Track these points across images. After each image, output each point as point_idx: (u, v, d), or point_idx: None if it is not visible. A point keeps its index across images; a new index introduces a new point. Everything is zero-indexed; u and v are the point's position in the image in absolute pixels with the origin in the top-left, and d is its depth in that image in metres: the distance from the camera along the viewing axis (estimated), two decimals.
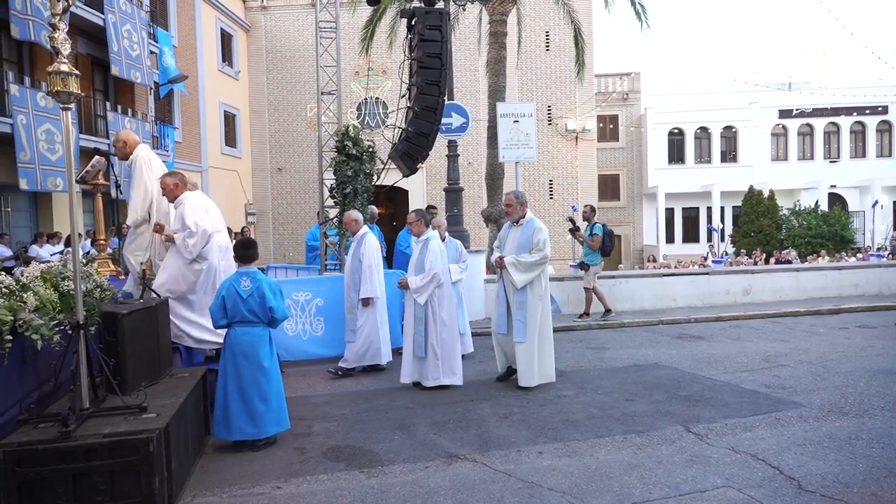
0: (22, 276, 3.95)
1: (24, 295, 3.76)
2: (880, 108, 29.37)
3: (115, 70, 14.87)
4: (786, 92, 30.41)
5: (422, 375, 6.20)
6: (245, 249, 4.84)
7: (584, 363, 7.29)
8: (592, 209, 10.47)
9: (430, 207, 10.04)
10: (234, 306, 4.56)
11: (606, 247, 9.87)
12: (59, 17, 3.50)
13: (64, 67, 3.54)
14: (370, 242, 6.82)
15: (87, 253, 7.26)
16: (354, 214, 7.12)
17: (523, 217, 6.30)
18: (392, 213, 26.26)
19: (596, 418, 5.15)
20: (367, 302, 6.74)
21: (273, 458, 4.43)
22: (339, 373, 6.81)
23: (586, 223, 10.23)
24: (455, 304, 6.68)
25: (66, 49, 3.56)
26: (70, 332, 3.63)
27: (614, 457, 4.29)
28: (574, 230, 10.40)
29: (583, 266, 10.04)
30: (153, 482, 3.34)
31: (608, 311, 10.07)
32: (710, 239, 29.21)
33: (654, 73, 69.70)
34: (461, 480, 3.96)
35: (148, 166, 5.67)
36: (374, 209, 9.29)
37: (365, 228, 7.07)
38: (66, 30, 3.59)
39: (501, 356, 6.50)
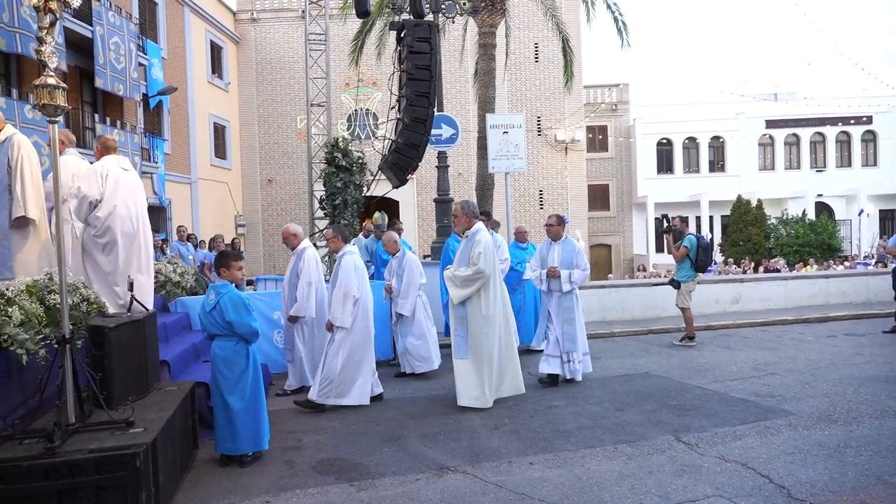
0: (7, 290, 3.91)
1: (10, 309, 3.72)
2: (865, 119, 29.78)
3: (99, 82, 14.81)
4: (772, 102, 30.79)
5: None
6: (218, 260, 4.80)
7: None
8: (682, 220, 9.63)
9: (391, 222, 9.78)
10: (206, 320, 4.60)
11: (700, 261, 8.84)
12: (46, 31, 3.50)
13: (51, 80, 3.53)
14: (309, 258, 6.44)
15: None
16: (293, 228, 6.76)
17: (469, 229, 6.06)
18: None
19: (587, 428, 5.15)
20: (293, 319, 6.45)
21: (262, 472, 4.39)
22: (289, 392, 6.54)
23: (680, 235, 9.24)
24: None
25: (53, 62, 3.55)
26: (56, 346, 3.60)
27: (605, 467, 4.29)
28: (665, 231, 9.57)
29: (673, 284, 9.06)
30: (140, 498, 3.30)
31: (690, 337, 8.89)
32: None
33: (643, 84, 70.36)
34: (452, 492, 3.94)
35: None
36: (375, 224, 9.13)
37: (306, 243, 6.72)
38: (53, 43, 3.58)
39: None
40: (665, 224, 9.60)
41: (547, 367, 6.70)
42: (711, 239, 28.95)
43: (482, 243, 5.88)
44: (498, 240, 7.61)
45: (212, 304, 4.55)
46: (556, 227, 6.96)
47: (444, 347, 8.20)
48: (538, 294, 8.08)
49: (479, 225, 6.10)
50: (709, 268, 9.46)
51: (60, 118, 3.72)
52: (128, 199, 5.31)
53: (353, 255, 6.12)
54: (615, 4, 14.28)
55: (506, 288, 6.31)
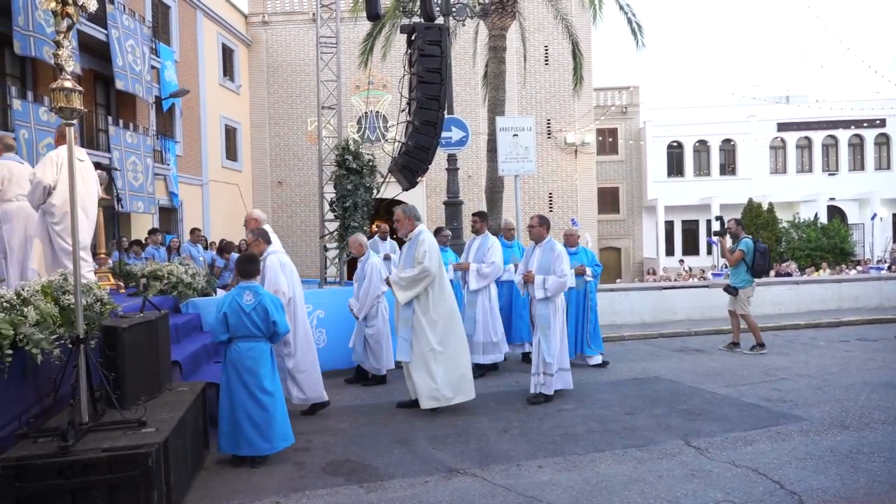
0: (23, 290, 3.96)
1: (25, 309, 3.76)
2: (878, 122, 29.51)
3: (119, 84, 14.97)
4: (784, 105, 30.58)
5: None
6: (247, 264, 4.86)
7: (585, 376, 7.27)
8: (738, 222, 9.03)
9: (438, 229, 9.54)
10: (238, 321, 4.57)
11: (758, 266, 8.46)
12: (63, 35, 3.54)
13: (67, 84, 3.57)
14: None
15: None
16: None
17: (412, 232, 6.02)
18: (391, 226, 26.28)
19: (596, 432, 5.14)
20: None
21: (272, 473, 4.42)
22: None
23: (735, 239, 8.81)
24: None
25: (69, 66, 3.60)
26: (70, 346, 3.64)
27: (615, 471, 4.28)
28: (719, 234, 9.09)
29: (729, 290, 8.66)
30: (152, 497, 3.33)
31: (760, 345, 8.44)
32: (709, 252, 29.21)
33: (653, 87, 70.20)
34: (461, 495, 3.95)
35: None
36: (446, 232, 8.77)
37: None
38: (70, 47, 3.63)
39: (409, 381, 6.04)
40: (720, 226, 9.26)
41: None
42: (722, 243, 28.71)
43: (427, 242, 5.88)
44: (489, 242, 7.49)
45: (252, 305, 4.58)
46: (537, 229, 6.48)
47: None
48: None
49: (422, 227, 6.11)
50: (767, 273, 8.95)
51: (76, 121, 3.76)
52: (80, 188, 5.44)
53: (276, 254, 5.78)
54: (628, 5, 14.24)
55: (452, 289, 6.16)
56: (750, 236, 8.90)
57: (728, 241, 8.90)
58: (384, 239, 10.27)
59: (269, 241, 5.88)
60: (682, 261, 28.08)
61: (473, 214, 7.96)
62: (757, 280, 8.71)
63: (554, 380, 6.16)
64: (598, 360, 7.91)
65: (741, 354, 8.34)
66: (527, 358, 7.81)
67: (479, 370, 7.16)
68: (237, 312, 4.57)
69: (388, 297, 6.87)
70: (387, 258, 10.20)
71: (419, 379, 5.78)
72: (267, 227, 6.10)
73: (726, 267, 25.82)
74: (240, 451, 4.55)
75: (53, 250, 5.49)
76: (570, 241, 8.21)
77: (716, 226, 9.16)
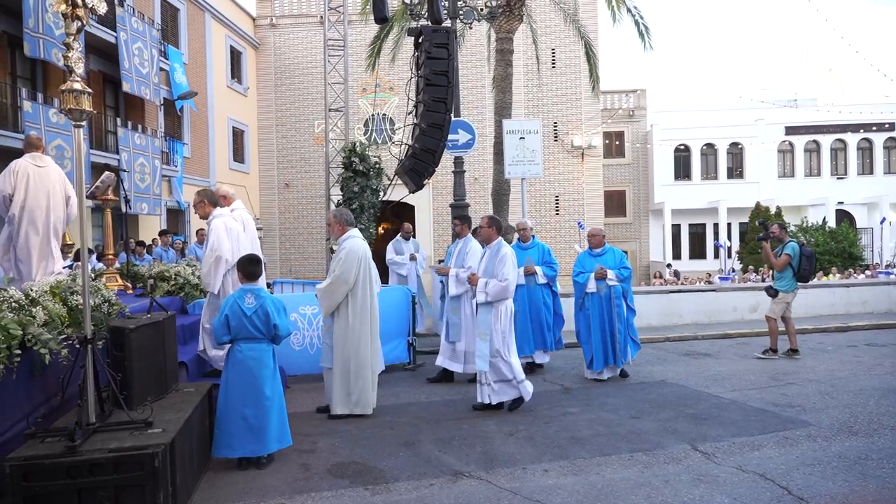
0: (31, 290, 3.99)
1: (34, 309, 3.79)
2: (887, 125, 29.37)
3: (126, 87, 15.09)
4: (792, 109, 30.47)
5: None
6: (250, 266, 4.85)
7: (590, 380, 7.25)
8: (781, 226, 8.77)
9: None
10: (239, 323, 4.57)
11: (804, 270, 8.27)
12: (73, 37, 3.57)
13: (77, 86, 3.60)
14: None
15: (93, 268, 7.33)
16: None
17: (341, 236, 5.87)
18: (397, 228, 26.33)
19: (602, 436, 5.12)
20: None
21: (277, 475, 4.42)
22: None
23: (778, 243, 8.58)
24: None
25: (79, 68, 3.62)
26: (78, 346, 3.66)
27: (620, 475, 4.26)
28: (763, 238, 8.72)
29: (770, 292, 8.49)
30: (158, 497, 3.34)
31: (772, 350, 8.32)
32: (717, 255, 29.10)
33: (660, 90, 70.06)
34: (466, 498, 3.94)
35: None
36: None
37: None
38: (80, 49, 3.66)
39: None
40: (763, 231, 8.90)
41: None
42: (729, 247, 28.65)
43: (345, 250, 5.73)
44: (469, 245, 7.00)
45: (252, 309, 4.58)
46: (485, 230, 6.12)
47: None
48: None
49: (352, 232, 5.94)
50: (811, 278, 8.69)
51: (85, 122, 3.79)
52: (39, 192, 5.66)
53: (223, 217, 5.67)
54: (636, 8, 14.23)
55: (377, 299, 6.02)
56: (794, 239, 8.75)
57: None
58: (407, 239, 10.29)
59: (215, 205, 5.71)
60: (669, 265, 28.08)
61: (454, 217, 7.68)
62: (760, 286, 8.61)
63: (498, 393, 5.85)
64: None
65: (749, 359, 8.29)
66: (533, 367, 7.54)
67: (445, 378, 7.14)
68: (238, 315, 4.57)
69: (382, 297, 6.81)
70: (412, 258, 10.21)
71: (336, 385, 5.73)
72: (236, 202, 6.17)
73: (733, 271, 25.72)
74: (233, 452, 4.53)
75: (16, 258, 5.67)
76: (524, 236, 7.85)
77: (760, 231, 8.93)
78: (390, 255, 10.25)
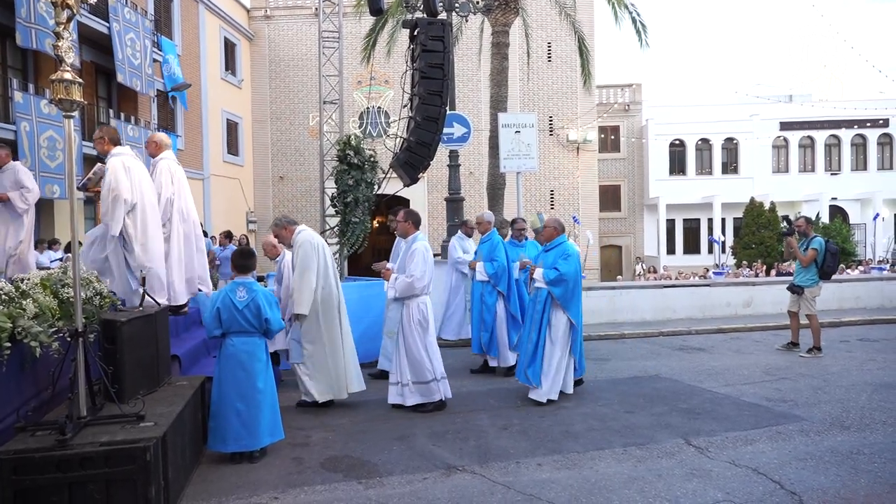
0: (22, 283, 3.95)
1: (24, 302, 3.75)
2: (881, 122, 29.44)
3: (120, 78, 14.96)
4: (787, 104, 30.51)
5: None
6: (242, 259, 4.82)
7: (585, 374, 7.26)
8: (808, 221, 8.58)
9: (463, 222, 8.99)
10: (230, 317, 4.55)
11: (827, 267, 8.15)
12: (63, 26, 3.52)
13: (67, 76, 3.55)
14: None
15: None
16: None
17: (291, 238, 5.88)
18: (385, 224, 26.32)
19: (596, 430, 5.13)
20: None
21: (270, 468, 4.41)
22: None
23: (803, 237, 8.42)
24: None
25: (69, 57, 3.57)
26: (69, 339, 3.62)
27: (614, 469, 4.26)
28: (788, 233, 8.58)
29: (793, 289, 8.37)
30: (150, 492, 3.32)
31: (817, 348, 8.13)
32: (711, 250, 29.19)
33: (656, 85, 69.96)
34: (460, 492, 3.94)
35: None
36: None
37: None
38: (70, 38, 3.61)
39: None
40: (788, 225, 8.78)
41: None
42: (723, 242, 28.73)
43: (299, 244, 5.76)
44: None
45: (245, 302, 4.56)
46: (402, 224, 6.03)
47: (458, 347, 8.20)
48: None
49: (300, 227, 5.98)
50: (833, 275, 8.53)
51: (76, 113, 3.74)
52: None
53: (121, 156, 5.41)
54: (632, 4, 14.20)
55: (339, 286, 6.02)
56: (819, 235, 8.61)
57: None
58: (469, 235, 9.50)
59: (116, 143, 5.49)
60: (638, 258, 28.25)
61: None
62: (753, 281, 8.64)
63: (415, 394, 5.76)
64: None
65: (742, 353, 8.33)
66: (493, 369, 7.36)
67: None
68: (230, 308, 4.56)
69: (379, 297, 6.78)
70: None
71: (310, 377, 5.83)
72: (165, 151, 6.18)
73: (727, 266, 25.79)
74: (227, 447, 4.51)
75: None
76: (466, 231, 7.98)
77: (784, 227, 8.82)
78: (457, 253, 9.26)
